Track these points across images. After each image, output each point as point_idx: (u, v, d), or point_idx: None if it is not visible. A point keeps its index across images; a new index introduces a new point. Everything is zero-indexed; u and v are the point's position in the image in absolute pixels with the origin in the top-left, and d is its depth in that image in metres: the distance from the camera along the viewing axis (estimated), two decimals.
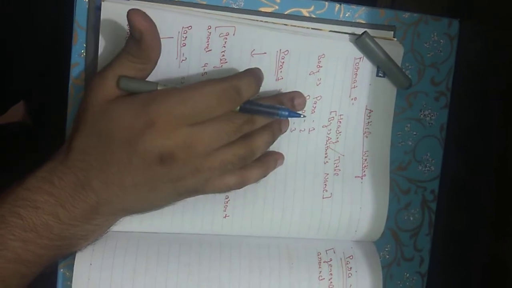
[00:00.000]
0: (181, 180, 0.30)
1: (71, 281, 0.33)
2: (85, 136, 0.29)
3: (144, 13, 0.29)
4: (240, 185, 0.32)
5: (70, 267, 0.33)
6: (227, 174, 0.31)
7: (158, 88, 0.30)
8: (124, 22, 0.33)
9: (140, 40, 0.29)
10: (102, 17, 0.33)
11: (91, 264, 0.33)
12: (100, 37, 0.33)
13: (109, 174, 0.29)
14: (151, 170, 0.29)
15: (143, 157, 0.28)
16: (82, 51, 0.34)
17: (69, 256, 0.33)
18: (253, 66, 0.35)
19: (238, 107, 0.30)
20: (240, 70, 0.34)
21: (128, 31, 0.33)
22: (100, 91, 0.29)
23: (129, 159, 0.28)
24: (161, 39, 0.33)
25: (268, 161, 0.34)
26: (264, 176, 0.34)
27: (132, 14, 0.28)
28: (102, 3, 0.32)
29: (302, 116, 0.33)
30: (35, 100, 0.53)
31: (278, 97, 0.34)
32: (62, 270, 0.35)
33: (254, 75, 0.31)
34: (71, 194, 0.28)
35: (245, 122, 0.31)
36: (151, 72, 0.31)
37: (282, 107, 0.32)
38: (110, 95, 0.30)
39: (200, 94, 0.29)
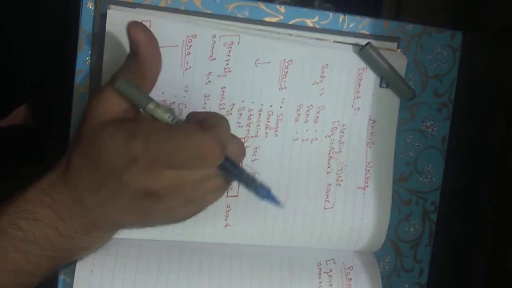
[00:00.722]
0: (173, 210, 0.29)
1: None
2: (80, 155, 0.28)
3: (145, 26, 0.28)
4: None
5: (71, 274, 0.33)
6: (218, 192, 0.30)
7: (150, 106, 0.27)
8: None
9: (137, 53, 0.27)
10: (107, 24, 0.33)
11: (92, 271, 0.33)
12: (105, 45, 0.33)
13: (101, 196, 0.28)
14: (140, 203, 0.28)
15: (129, 191, 0.27)
16: (87, 58, 0.34)
17: (71, 264, 0.33)
18: (257, 75, 0.35)
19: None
20: (244, 80, 0.35)
21: None
22: (97, 111, 0.28)
23: (118, 188, 0.27)
24: (166, 48, 0.33)
25: None
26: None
27: (130, 25, 0.27)
28: (108, 10, 0.33)
29: (280, 206, 0.30)
30: (38, 103, 0.53)
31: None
32: (62, 276, 0.35)
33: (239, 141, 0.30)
34: (69, 208, 0.28)
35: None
36: (150, 90, 0.29)
37: (264, 185, 0.29)
38: (106, 116, 0.28)
39: (180, 145, 0.26)
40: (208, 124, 0.27)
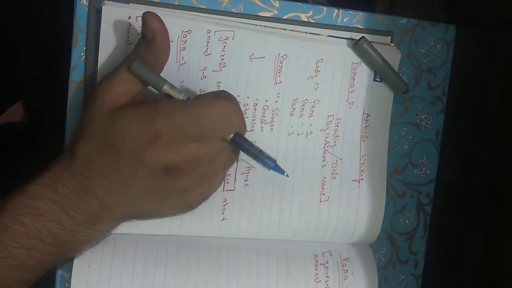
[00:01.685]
0: (188, 191, 0.30)
1: (69, 283, 0.33)
2: (90, 144, 0.29)
3: (159, 16, 0.29)
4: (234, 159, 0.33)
5: (69, 269, 0.34)
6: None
7: (165, 87, 0.30)
8: (124, 25, 0.33)
9: (152, 41, 0.29)
10: (102, 20, 0.33)
11: (89, 266, 0.33)
12: (100, 40, 0.33)
13: (113, 182, 0.29)
14: (157, 182, 0.29)
15: (149, 169, 0.28)
16: (82, 54, 0.34)
17: (69, 260, 0.33)
18: (252, 70, 0.35)
19: (229, 139, 0.30)
20: (240, 74, 0.35)
21: (128, 35, 0.33)
22: (108, 97, 0.29)
23: (135, 171, 0.29)
24: None
25: None
26: None
27: (147, 14, 0.29)
28: (103, 6, 0.33)
29: (285, 175, 0.33)
30: (34, 101, 0.53)
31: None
32: (60, 272, 0.35)
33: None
34: (75, 200, 0.28)
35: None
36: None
37: (270, 157, 0.32)
38: (117, 101, 0.29)
39: (205, 113, 0.28)
40: (224, 95, 0.30)
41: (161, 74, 0.30)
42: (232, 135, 0.30)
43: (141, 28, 0.31)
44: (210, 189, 0.32)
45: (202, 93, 0.34)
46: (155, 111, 0.28)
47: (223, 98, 0.29)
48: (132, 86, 0.30)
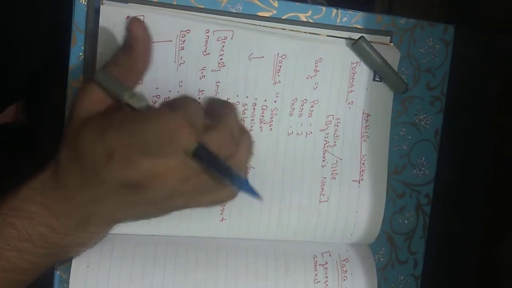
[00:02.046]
0: (160, 202, 0.28)
1: (68, 284, 0.33)
2: (66, 154, 0.28)
3: (144, 24, 0.29)
4: (230, 197, 0.30)
5: (67, 270, 0.33)
6: (209, 193, 0.29)
7: (125, 97, 0.27)
8: (122, 25, 0.33)
9: (133, 48, 0.28)
10: (101, 20, 0.33)
11: (88, 267, 0.33)
12: (99, 40, 0.33)
13: (89, 193, 0.28)
14: (123, 196, 0.28)
15: (110, 185, 0.27)
16: (81, 53, 0.34)
17: (67, 261, 0.33)
18: (251, 70, 0.35)
19: (192, 152, 0.26)
20: (238, 74, 0.35)
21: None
22: (77, 107, 0.28)
23: (101, 184, 0.27)
24: (160, 43, 0.33)
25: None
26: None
27: (132, 21, 0.28)
28: (101, 6, 0.32)
29: (258, 199, 0.29)
30: (32, 101, 0.53)
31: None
32: (58, 272, 0.35)
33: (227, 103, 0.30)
34: (62, 205, 0.28)
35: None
36: (135, 83, 0.30)
37: (239, 176, 0.28)
38: (86, 112, 0.28)
39: (149, 129, 0.26)
40: (176, 104, 0.27)
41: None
42: (193, 148, 0.26)
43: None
44: (186, 203, 0.29)
45: (203, 93, 0.33)
46: (108, 126, 0.27)
47: (172, 111, 0.26)
48: (101, 96, 0.28)
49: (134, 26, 0.28)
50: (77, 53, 0.34)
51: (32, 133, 0.54)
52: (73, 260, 0.33)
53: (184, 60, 0.34)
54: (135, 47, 0.28)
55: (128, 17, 0.33)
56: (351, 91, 0.37)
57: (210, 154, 0.27)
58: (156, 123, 0.26)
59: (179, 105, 0.27)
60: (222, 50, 0.34)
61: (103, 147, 0.26)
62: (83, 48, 0.34)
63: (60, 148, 0.29)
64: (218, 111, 0.29)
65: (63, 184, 0.28)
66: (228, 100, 0.34)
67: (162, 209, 0.30)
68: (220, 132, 0.27)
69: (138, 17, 0.32)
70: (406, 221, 0.40)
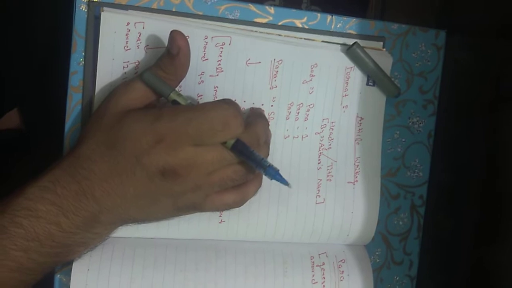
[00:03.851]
0: (181, 196, 0.31)
1: (68, 287, 0.33)
2: (94, 143, 0.30)
3: (185, 36, 0.31)
4: (239, 202, 0.33)
5: (67, 273, 0.34)
6: (226, 192, 0.32)
7: (172, 94, 0.31)
8: (122, 32, 0.34)
9: (176, 56, 0.31)
10: (101, 26, 0.33)
11: (88, 270, 0.33)
12: (99, 46, 0.33)
13: (111, 184, 0.29)
14: (153, 184, 0.29)
15: (147, 170, 0.29)
16: (81, 59, 0.35)
17: (67, 263, 0.33)
18: (248, 75, 0.36)
19: (230, 146, 0.30)
20: (236, 79, 0.36)
21: (127, 41, 0.34)
22: (120, 101, 0.31)
23: (133, 171, 0.29)
24: (159, 49, 0.34)
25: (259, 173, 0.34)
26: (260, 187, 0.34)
27: (175, 32, 0.31)
28: (101, 13, 0.33)
29: (287, 185, 0.32)
30: (31, 107, 0.53)
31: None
32: (59, 276, 0.35)
33: (263, 116, 0.34)
34: (73, 203, 0.29)
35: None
36: (175, 88, 0.32)
37: (272, 165, 0.31)
38: (128, 106, 0.31)
39: (205, 116, 0.29)
40: (226, 101, 0.31)
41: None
42: (232, 142, 0.30)
43: (141, 31, 0.33)
44: (202, 203, 0.32)
45: (201, 98, 0.35)
46: (159, 115, 0.29)
47: (225, 103, 0.30)
48: (144, 94, 0.31)
49: (179, 37, 0.31)
50: (77, 59, 0.34)
51: (30, 139, 0.55)
52: (73, 264, 0.33)
53: None
54: (178, 56, 0.31)
55: (128, 23, 0.34)
56: (345, 95, 0.38)
57: (247, 147, 0.30)
58: (213, 111, 0.29)
59: (227, 101, 0.30)
60: (220, 56, 0.35)
61: (152, 132, 0.29)
62: (83, 54, 0.34)
63: (79, 142, 0.30)
64: (253, 117, 0.34)
65: (82, 177, 0.29)
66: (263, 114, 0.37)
67: (178, 206, 0.31)
68: (250, 134, 0.31)
69: (137, 23, 0.33)
70: (401, 222, 0.41)
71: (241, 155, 0.30)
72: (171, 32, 0.31)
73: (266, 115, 0.37)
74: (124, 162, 0.29)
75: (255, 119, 0.33)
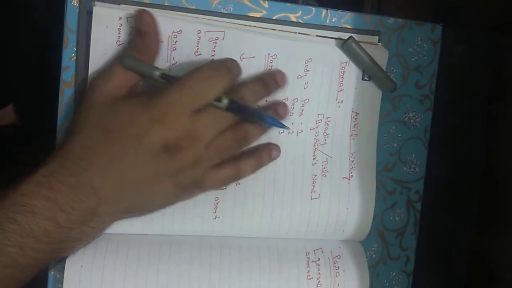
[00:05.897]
0: (181, 173, 0.31)
1: (62, 284, 0.33)
2: (88, 133, 0.30)
3: (150, 13, 0.32)
4: (235, 176, 0.34)
5: (61, 270, 0.34)
6: (222, 167, 0.33)
7: (156, 72, 0.31)
8: (115, 26, 0.33)
9: (146, 33, 0.32)
10: (93, 21, 0.33)
11: (82, 266, 0.33)
12: (91, 41, 0.33)
13: (111, 171, 0.29)
14: (154, 163, 0.30)
15: (148, 149, 0.30)
16: (73, 54, 0.34)
17: (62, 259, 0.33)
18: (243, 70, 0.35)
19: (226, 106, 0.31)
20: None
21: (119, 36, 0.33)
22: (105, 90, 0.31)
23: (134, 153, 0.29)
24: None
25: (261, 151, 0.35)
26: (260, 168, 0.35)
27: (141, 10, 0.32)
28: (93, 7, 0.33)
29: (286, 128, 0.34)
30: (25, 103, 0.53)
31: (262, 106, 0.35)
32: (53, 272, 0.35)
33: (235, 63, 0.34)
34: (70, 196, 0.29)
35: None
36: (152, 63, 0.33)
37: (268, 114, 0.33)
38: (114, 94, 0.31)
39: (193, 79, 0.30)
40: (211, 61, 0.33)
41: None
42: (226, 102, 0.31)
43: (133, 26, 0.33)
44: (201, 179, 0.32)
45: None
46: (150, 95, 0.30)
47: (207, 63, 0.32)
48: (127, 78, 0.32)
49: (145, 14, 0.32)
50: (69, 54, 0.34)
51: (24, 135, 0.55)
52: (67, 260, 0.33)
53: (176, 60, 0.34)
54: (148, 32, 0.32)
55: (120, 18, 0.33)
56: (340, 90, 0.37)
57: (240, 105, 0.32)
58: (198, 72, 0.31)
59: (209, 62, 0.32)
60: (214, 51, 0.35)
61: (149, 112, 0.30)
62: (75, 49, 0.34)
63: (71, 134, 0.30)
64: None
65: (79, 169, 0.29)
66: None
67: (179, 185, 0.31)
68: (242, 90, 0.33)
69: (130, 18, 0.33)
70: (397, 218, 0.40)
71: (238, 112, 0.32)
72: (137, 11, 0.32)
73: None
74: (124, 146, 0.29)
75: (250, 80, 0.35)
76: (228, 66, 0.32)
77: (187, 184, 0.32)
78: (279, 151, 0.36)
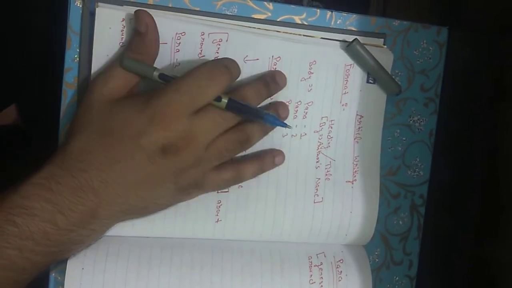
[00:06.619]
0: (182, 173, 0.31)
1: (63, 286, 0.33)
2: (87, 135, 0.30)
3: (149, 13, 0.32)
4: (236, 179, 0.33)
5: (62, 272, 0.33)
6: (223, 168, 0.33)
7: (155, 73, 0.31)
8: (117, 27, 0.33)
9: (145, 34, 0.31)
10: (96, 22, 0.33)
11: (83, 269, 0.33)
12: (94, 42, 0.33)
13: (110, 172, 0.29)
14: (154, 165, 0.30)
15: (146, 150, 0.29)
16: (76, 56, 0.34)
17: (63, 261, 0.33)
18: (246, 72, 0.35)
19: (225, 106, 0.31)
20: None
21: (122, 37, 0.33)
22: (104, 92, 0.31)
23: (132, 155, 0.29)
24: None
25: (264, 156, 0.35)
26: (261, 172, 0.35)
27: (140, 11, 0.32)
28: (96, 8, 0.33)
29: (287, 127, 0.34)
30: (28, 103, 0.53)
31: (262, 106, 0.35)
32: (54, 274, 0.35)
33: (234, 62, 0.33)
34: (70, 198, 0.28)
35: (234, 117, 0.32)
36: (152, 64, 0.33)
37: (268, 113, 0.33)
38: (113, 95, 0.31)
39: (191, 79, 0.30)
40: (209, 61, 0.32)
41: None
42: (226, 101, 0.31)
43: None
44: (202, 180, 0.32)
45: None
46: (148, 96, 0.30)
47: (205, 62, 0.31)
48: (126, 80, 0.31)
49: (144, 15, 0.31)
50: (72, 56, 0.34)
51: (26, 135, 0.55)
52: (68, 262, 0.33)
53: (180, 62, 0.34)
54: (147, 33, 0.31)
55: (123, 19, 0.33)
56: (345, 93, 0.37)
57: (240, 103, 0.31)
58: (197, 71, 0.30)
59: (207, 61, 0.32)
60: (217, 53, 0.35)
61: (146, 113, 0.29)
62: (78, 50, 0.34)
63: (70, 136, 0.30)
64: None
65: (78, 171, 0.29)
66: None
67: (179, 185, 0.31)
68: (243, 90, 0.33)
69: (132, 19, 0.33)
70: (400, 222, 0.40)
71: (238, 111, 0.31)
72: (135, 12, 0.32)
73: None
74: (122, 147, 0.29)
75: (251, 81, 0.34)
76: (227, 65, 0.31)
77: (187, 185, 0.32)
78: (284, 157, 0.36)
